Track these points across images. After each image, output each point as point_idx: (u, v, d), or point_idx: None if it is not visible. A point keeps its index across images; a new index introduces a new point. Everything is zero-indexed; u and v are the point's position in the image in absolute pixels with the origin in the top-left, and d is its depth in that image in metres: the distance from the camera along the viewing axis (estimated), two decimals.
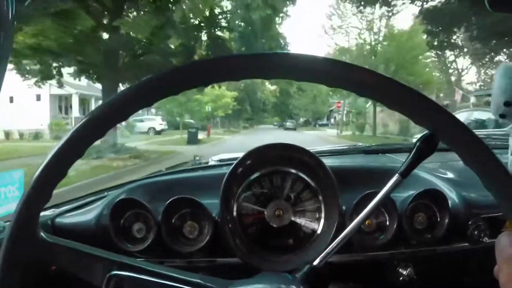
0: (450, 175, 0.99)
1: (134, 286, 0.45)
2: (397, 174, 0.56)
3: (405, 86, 0.44)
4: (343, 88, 0.44)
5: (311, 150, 0.85)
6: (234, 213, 0.78)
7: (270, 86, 35.43)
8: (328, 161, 0.82)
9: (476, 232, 0.88)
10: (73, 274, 0.49)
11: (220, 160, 1.20)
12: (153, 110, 21.92)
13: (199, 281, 0.45)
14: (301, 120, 36.75)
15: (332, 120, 35.00)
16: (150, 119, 20.52)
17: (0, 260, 0.45)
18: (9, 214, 0.84)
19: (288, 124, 31.71)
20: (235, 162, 0.77)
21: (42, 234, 0.46)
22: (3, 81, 0.46)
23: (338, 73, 0.44)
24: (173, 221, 0.79)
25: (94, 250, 0.47)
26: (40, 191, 0.43)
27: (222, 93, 23.97)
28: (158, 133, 19.29)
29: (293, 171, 0.79)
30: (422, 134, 0.52)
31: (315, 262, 0.56)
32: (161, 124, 20.44)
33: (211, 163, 1.23)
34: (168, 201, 0.77)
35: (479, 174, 0.43)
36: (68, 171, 0.43)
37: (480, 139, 0.43)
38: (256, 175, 0.80)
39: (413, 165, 0.55)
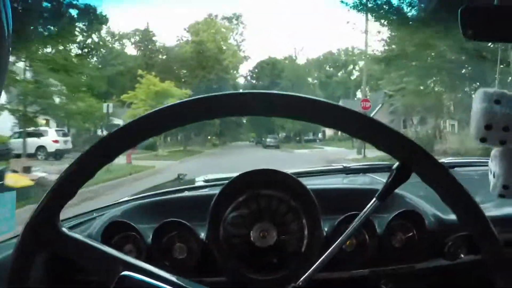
0: (427, 194, 1.10)
1: None
2: (374, 199, 0.66)
3: (378, 122, 0.52)
4: (325, 126, 0.52)
5: (294, 171, 1.00)
6: (221, 235, 0.88)
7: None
8: (310, 182, 0.95)
9: (452, 249, 0.98)
10: (86, 269, 0.56)
11: (206, 181, 1.32)
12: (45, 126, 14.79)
13: None
14: (280, 135, 33.49)
15: (320, 135, 32.81)
16: (38, 133, 13.29)
17: (16, 247, 0.49)
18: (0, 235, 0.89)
19: (269, 140, 27.84)
20: (222, 187, 0.89)
21: (63, 228, 0.52)
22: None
23: (323, 112, 0.52)
24: (162, 243, 0.88)
25: (110, 249, 0.54)
26: (66, 187, 0.49)
27: (166, 89, 18.73)
28: (55, 155, 13.09)
29: (278, 194, 0.90)
30: (398, 162, 0.60)
31: (300, 281, 0.65)
32: (56, 142, 13.68)
33: (198, 183, 1.36)
34: (158, 225, 0.88)
35: (444, 199, 0.52)
36: (96, 173, 0.50)
37: (443, 165, 0.52)
38: (242, 198, 0.90)
39: (389, 190, 0.65)
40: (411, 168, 0.52)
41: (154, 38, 26.18)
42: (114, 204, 1.12)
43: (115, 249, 0.79)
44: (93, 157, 0.49)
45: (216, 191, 0.91)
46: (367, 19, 17.93)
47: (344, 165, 1.61)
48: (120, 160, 9.37)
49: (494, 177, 0.67)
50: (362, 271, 0.94)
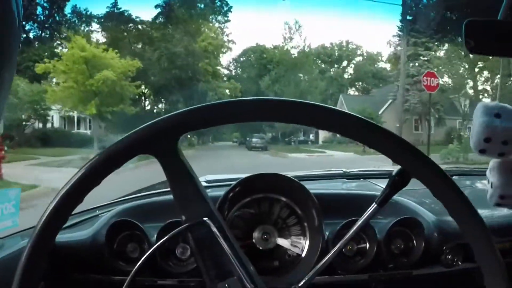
0: (427, 201, 1.18)
1: None
2: (374, 204, 0.71)
3: (381, 128, 0.56)
4: (327, 130, 0.57)
5: (294, 174, 1.06)
6: None
7: (227, 83, 28.78)
8: (310, 186, 0.99)
9: (450, 257, 1.05)
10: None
11: (208, 181, 1.36)
12: None
13: None
14: (267, 135, 29.72)
15: (312, 136, 29.62)
16: None
17: (28, 250, 0.53)
18: (5, 230, 0.96)
19: (255, 141, 24.00)
20: (226, 190, 0.94)
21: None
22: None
23: (321, 117, 0.56)
24: (166, 243, 0.94)
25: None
26: (72, 198, 0.54)
27: (98, 56, 14.27)
28: None
29: (280, 198, 0.95)
30: (398, 168, 0.65)
31: (300, 284, 0.69)
32: None
33: None
34: (163, 225, 0.94)
35: (445, 205, 0.54)
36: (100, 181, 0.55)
37: (443, 171, 0.55)
38: (244, 201, 0.95)
39: (389, 195, 0.69)
40: (412, 174, 0.57)
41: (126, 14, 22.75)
42: (117, 201, 1.19)
43: (118, 248, 0.98)
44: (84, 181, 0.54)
45: (218, 192, 0.96)
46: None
47: (344, 170, 1.68)
48: None
49: (491, 187, 0.71)
50: (361, 275, 1.00)
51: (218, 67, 27.14)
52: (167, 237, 0.64)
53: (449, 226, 1.04)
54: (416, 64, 21.18)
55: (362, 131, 0.55)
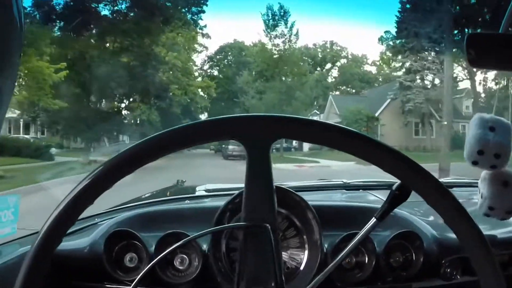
0: (427, 214, 1.21)
1: None
2: (374, 218, 0.73)
3: (380, 143, 0.58)
4: (322, 144, 0.59)
5: (292, 185, 1.16)
6: (223, 249, 0.98)
7: (199, 79, 26.20)
8: (310, 198, 1.03)
9: (449, 270, 1.07)
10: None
11: (207, 191, 1.40)
12: None
13: None
14: None
15: (295, 142, 26.56)
16: None
17: (32, 253, 0.54)
18: (3, 237, 0.97)
19: (232, 148, 20.31)
20: (225, 201, 0.97)
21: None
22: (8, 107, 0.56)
23: (317, 132, 0.58)
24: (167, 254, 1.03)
25: None
26: (71, 212, 0.55)
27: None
28: None
29: (280, 209, 0.98)
30: (398, 182, 0.70)
31: None
32: None
33: (198, 192, 1.44)
34: (162, 235, 0.98)
35: (444, 219, 0.55)
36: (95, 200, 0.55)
37: (441, 184, 0.56)
38: None
39: (388, 210, 0.71)
40: (411, 188, 0.59)
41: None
42: (116, 209, 1.23)
43: (116, 257, 1.00)
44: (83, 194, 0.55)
45: (217, 202, 1.03)
46: None
47: (344, 180, 1.71)
48: None
49: (481, 197, 0.75)
50: None
51: (190, 63, 24.05)
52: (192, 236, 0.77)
53: (448, 239, 1.09)
54: (425, 58, 18.90)
55: (360, 146, 0.58)
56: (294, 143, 27.82)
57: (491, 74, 20.92)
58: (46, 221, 0.53)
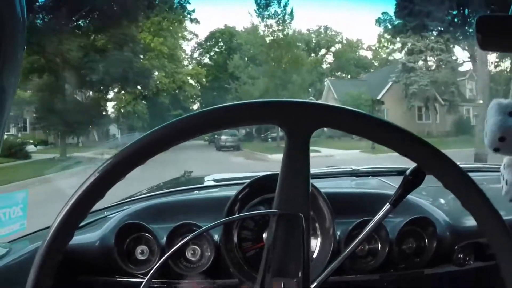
0: (439, 200, 1.22)
1: None
2: (388, 204, 0.73)
3: (391, 124, 0.57)
4: (335, 128, 0.58)
5: None
6: (235, 239, 0.98)
7: (188, 67, 25.31)
8: (320, 185, 1.04)
9: (461, 256, 1.07)
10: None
11: (216, 180, 1.39)
12: None
13: None
14: (239, 132, 24.77)
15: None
16: None
17: (44, 248, 0.54)
18: (13, 233, 0.97)
19: (225, 139, 19.36)
20: (236, 192, 0.98)
21: None
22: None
23: (327, 115, 0.57)
24: (176, 244, 1.07)
25: None
26: (82, 207, 0.55)
27: None
28: None
29: None
30: (411, 167, 0.68)
31: (312, 286, 0.69)
32: None
33: (207, 182, 1.43)
34: (173, 227, 0.98)
35: (463, 203, 0.54)
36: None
37: (461, 169, 0.56)
38: (255, 201, 0.99)
39: (402, 195, 0.70)
40: (429, 172, 0.59)
41: None
42: (125, 202, 1.23)
43: (127, 250, 1.01)
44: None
45: (226, 192, 1.04)
46: None
47: (353, 167, 1.70)
48: None
49: (507, 184, 0.75)
50: (372, 275, 1.06)
51: (178, 50, 23.01)
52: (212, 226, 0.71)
53: (461, 225, 1.10)
54: (428, 37, 18.12)
55: (368, 127, 0.57)
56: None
57: (493, 56, 20.39)
58: (57, 216, 0.53)
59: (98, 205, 1.15)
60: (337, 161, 12.63)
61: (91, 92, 17.65)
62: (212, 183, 1.40)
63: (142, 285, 0.61)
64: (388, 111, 19.04)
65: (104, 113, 18.81)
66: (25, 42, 0.51)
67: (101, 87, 17.13)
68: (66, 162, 12.35)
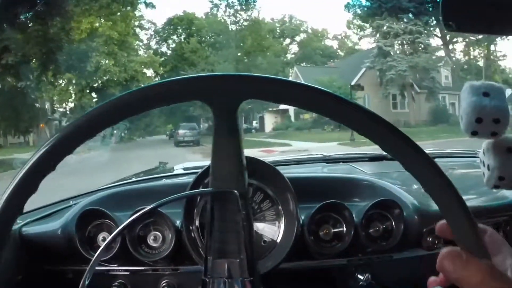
0: (407, 184, 1.27)
1: None
2: None
3: (354, 103, 0.54)
4: (263, 99, 0.54)
5: (272, 159, 1.21)
6: (196, 223, 1.01)
7: (143, 54, 22.96)
8: (289, 171, 1.10)
9: (430, 239, 1.10)
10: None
11: (185, 169, 1.42)
12: None
13: None
14: (203, 125, 23.57)
15: (256, 123, 24.16)
16: None
17: None
18: None
19: (183, 133, 18.19)
20: (196, 175, 1.03)
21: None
22: None
23: (252, 86, 0.53)
24: (137, 230, 1.04)
25: None
26: (15, 203, 0.50)
27: None
28: None
29: (254, 182, 1.00)
30: None
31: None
32: None
33: (176, 171, 1.48)
34: (133, 212, 1.02)
35: (425, 188, 0.51)
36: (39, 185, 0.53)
37: (425, 153, 0.52)
38: None
39: None
40: (388, 152, 0.57)
41: None
42: (91, 192, 1.23)
43: (89, 237, 1.01)
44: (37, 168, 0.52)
45: (193, 178, 1.08)
46: None
47: (324, 153, 1.73)
48: None
49: (488, 169, 0.73)
50: (339, 260, 1.09)
51: (131, 37, 21.03)
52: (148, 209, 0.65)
53: (429, 209, 1.13)
54: (405, 20, 17.00)
55: (336, 110, 0.53)
56: (255, 123, 26.68)
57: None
58: (6, 189, 0.51)
59: (64, 195, 1.20)
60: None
61: (9, 79, 14.46)
62: (182, 171, 1.46)
63: (89, 265, 0.57)
64: (360, 100, 17.13)
65: (37, 105, 16.09)
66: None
67: (24, 72, 13.84)
68: None
